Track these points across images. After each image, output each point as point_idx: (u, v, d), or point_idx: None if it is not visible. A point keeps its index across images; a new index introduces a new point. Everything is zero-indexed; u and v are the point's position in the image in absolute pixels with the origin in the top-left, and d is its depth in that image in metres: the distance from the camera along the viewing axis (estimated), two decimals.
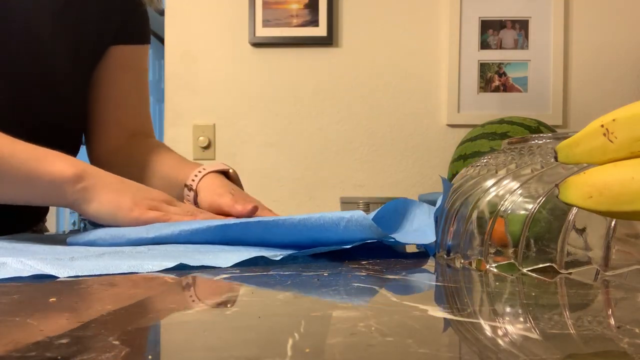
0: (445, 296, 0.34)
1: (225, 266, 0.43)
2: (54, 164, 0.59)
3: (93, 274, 0.39)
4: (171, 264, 0.42)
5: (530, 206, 0.41)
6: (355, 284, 0.36)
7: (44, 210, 0.92)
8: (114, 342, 0.22)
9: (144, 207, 0.60)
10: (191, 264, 0.42)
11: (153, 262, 0.42)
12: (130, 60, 0.89)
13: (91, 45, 0.83)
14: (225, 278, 0.38)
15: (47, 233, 0.92)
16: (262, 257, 0.47)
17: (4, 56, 0.72)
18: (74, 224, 4.32)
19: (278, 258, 0.47)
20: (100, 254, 0.47)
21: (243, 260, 0.45)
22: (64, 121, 0.80)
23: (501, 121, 1.24)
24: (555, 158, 0.38)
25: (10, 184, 0.59)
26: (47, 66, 0.76)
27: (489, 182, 0.45)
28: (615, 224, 0.38)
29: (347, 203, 1.10)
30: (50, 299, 0.30)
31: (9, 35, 0.72)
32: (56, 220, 3.38)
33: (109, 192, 0.60)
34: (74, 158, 0.62)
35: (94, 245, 0.57)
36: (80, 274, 0.38)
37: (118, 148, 0.87)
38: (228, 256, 0.46)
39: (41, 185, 0.58)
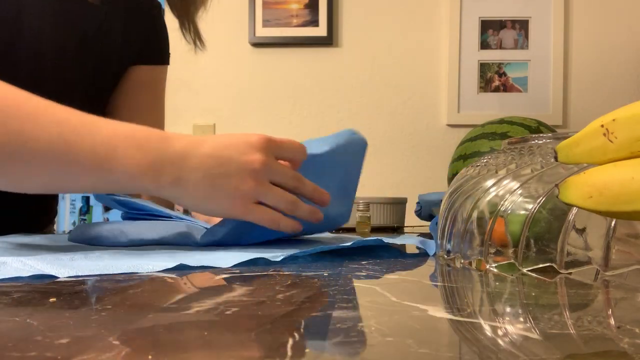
0: (445, 296, 0.34)
1: (226, 266, 0.43)
2: (126, 155, 0.50)
3: (93, 274, 0.39)
4: (171, 264, 0.42)
5: (530, 206, 0.41)
6: (355, 284, 0.36)
7: (55, 212, 0.93)
8: (114, 342, 0.22)
9: (242, 200, 0.52)
10: (191, 264, 0.42)
11: (153, 262, 0.42)
12: (149, 80, 0.90)
13: (113, 68, 0.84)
14: (225, 278, 0.38)
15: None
16: (262, 257, 0.47)
17: (28, 77, 0.72)
18: (73, 223, 4.32)
19: (279, 259, 0.47)
20: (101, 254, 0.47)
21: (243, 261, 0.45)
22: None
23: (501, 121, 1.24)
24: (555, 158, 0.38)
25: (77, 176, 0.51)
26: (69, 88, 0.77)
27: (489, 182, 0.45)
28: (615, 224, 0.38)
29: None
30: (50, 299, 0.30)
31: (38, 60, 0.73)
32: (56, 220, 3.38)
33: (195, 186, 0.51)
34: (150, 135, 0.52)
35: (95, 243, 0.57)
36: (80, 274, 0.38)
37: None
38: (228, 256, 0.46)
39: (114, 180, 0.51)
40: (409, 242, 0.56)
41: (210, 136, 0.54)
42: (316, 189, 0.57)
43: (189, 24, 0.85)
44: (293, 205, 0.54)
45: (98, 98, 0.83)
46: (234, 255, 0.47)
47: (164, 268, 0.41)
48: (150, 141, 0.52)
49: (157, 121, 0.92)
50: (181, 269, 0.41)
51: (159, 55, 0.90)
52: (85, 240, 0.58)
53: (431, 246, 0.54)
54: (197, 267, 0.42)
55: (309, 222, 0.57)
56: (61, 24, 0.74)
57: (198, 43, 0.87)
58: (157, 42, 0.89)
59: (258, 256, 0.46)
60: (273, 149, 0.54)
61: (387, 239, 0.54)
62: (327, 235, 0.74)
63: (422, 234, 0.73)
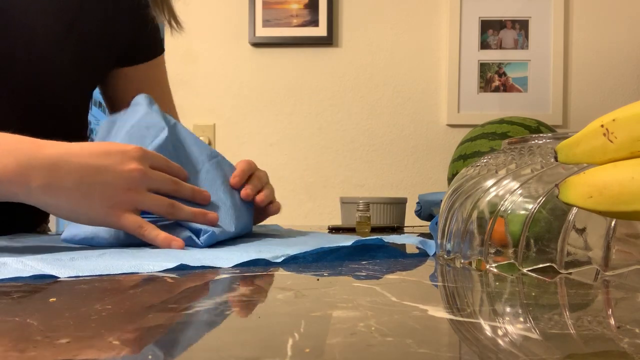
0: (445, 296, 0.34)
1: (226, 267, 0.43)
2: None
3: (93, 274, 0.39)
4: (172, 264, 0.42)
5: (530, 206, 0.41)
6: (355, 284, 0.36)
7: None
8: (114, 342, 0.22)
9: (118, 209, 0.53)
10: (192, 265, 0.42)
11: (154, 262, 0.42)
12: (149, 76, 0.89)
13: (94, 65, 0.82)
14: (225, 278, 0.38)
15: (48, 233, 0.92)
16: (263, 258, 0.47)
17: (4, 71, 0.71)
18: None
19: (279, 260, 0.47)
20: (101, 254, 0.47)
21: (243, 261, 0.45)
22: (64, 136, 0.79)
23: (501, 121, 1.24)
24: (555, 158, 0.38)
25: None
26: (47, 83, 0.76)
27: (489, 182, 0.45)
28: (615, 224, 0.38)
29: (347, 203, 1.09)
30: (50, 299, 0.30)
31: (10, 52, 0.71)
32: (56, 220, 3.38)
33: (68, 192, 0.51)
34: (22, 142, 0.52)
35: (91, 243, 0.57)
36: (80, 274, 0.38)
37: None
38: (229, 257, 0.46)
39: None
40: (409, 242, 0.56)
41: (86, 144, 0.54)
42: (194, 189, 0.59)
43: (161, 2, 0.84)
44: (171, 208, 0.55)
45: (78, 97, 0.81)
46: (235, 255, 0.47)
47: (165, 268, 0.41)
48: (21, 147, 0.51)
49: (169, 111, 0.92)
50: (182, 269, 0.41)
51: (150, 51, 0.89)
52: (79, 240, 0.58)
53: (431, 246, 0.54)
54: (197, 267, 0.42)
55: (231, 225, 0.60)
56: (46, 8, 0.73)
57: (173, 23, 0.86)
58: (146, 38, 0.87)
59: (258, 257, 0.46)
60: (149, 159, 0.55)
61: (387, 239, 0.54)
62: (326, 235, 0.73)
63: (422, 234, 0.73)
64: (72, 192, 0.51)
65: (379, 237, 0.54)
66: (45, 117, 0.76)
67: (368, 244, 0.53)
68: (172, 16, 0.85)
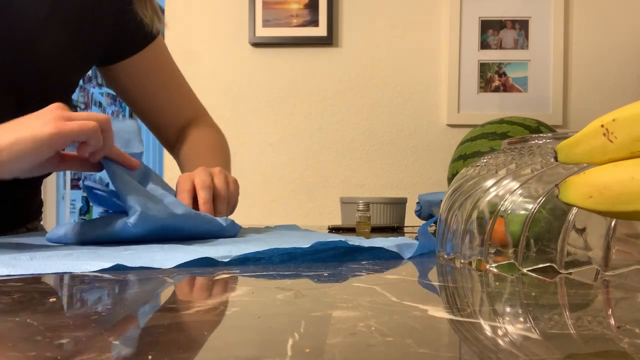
0: (445, 296, 0.34)
1: (168, 267, 0.42)
2: None
3: (27, 273, 0.38)
4: (108, 264, 0.41)
5: (530, 206, 0.41)
6: (355, 284, 0.36)
7: (39, 207, 0.92)
8: (114, 342, 0.22)
9: (59, 120, 0.55)
10: (128, 265, 0.41)
11: (92, 262, 0.42)
12: (147, 64, 0.90)
13: (78, 49, 0.81)
14: (225, 278, 0.38)
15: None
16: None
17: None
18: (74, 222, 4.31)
19: (226, 260, 0.44)
20: (51, 256, 0.46)
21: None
22: None
23: (501, 121, 1.24)
24: (555, 158, 0.38)
25: None
26: (31, 64, 0.75)
27: (489, 182, 0.45)
28: (615, 224, 0.38)
29: (347, 203, 1.09)
30: (50, 299, 0.30)
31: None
32: (56, 220, 3.38)
33: (5, 131, 0.54)
34: None
35: (63, 241, 0.59)
36: (13, 274, 0.38)
37: (175, 143, 0.95)
38: (175, 256, 0.45)
39: None
40: (384, 244, 0.50)
41: None
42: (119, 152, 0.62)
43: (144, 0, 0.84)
44: (105, 122, 0.58)
45: (66, 73, 0.81)
46: (180, 255, 0.45)
47: (100, 268, 0.40)
48: None
49: (175, 96, 0.94)
50: (118, 269, 0.41)
51: (142, 38, 0.88)
52: (56, 239, 0.60)
53: (408, 250, 0.50)
54: (136, 267, 0.41)
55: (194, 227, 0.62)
56: (16, 11, 0.73)
57: (155, 20, 0.86)
58: (135, 29, 0.86)
59: (203, 256, 0.44)
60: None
61: (359, 241, 0.51)
62: (315, 233, 0.73)
63: None
64: (12, 123, 0.55)
65: (342, 239, 0.50)
66: (28, 100, 0.76)
67: (329, 247, 0.49)
68: (156, 14, 0.86)
